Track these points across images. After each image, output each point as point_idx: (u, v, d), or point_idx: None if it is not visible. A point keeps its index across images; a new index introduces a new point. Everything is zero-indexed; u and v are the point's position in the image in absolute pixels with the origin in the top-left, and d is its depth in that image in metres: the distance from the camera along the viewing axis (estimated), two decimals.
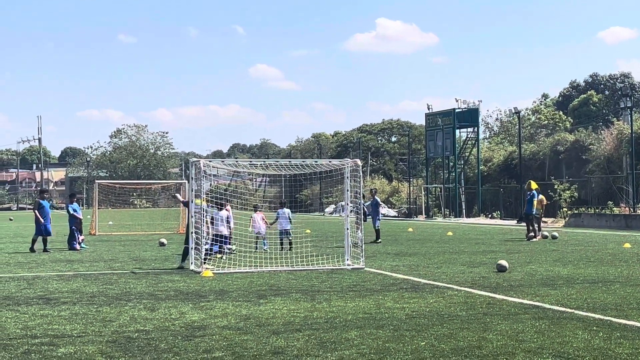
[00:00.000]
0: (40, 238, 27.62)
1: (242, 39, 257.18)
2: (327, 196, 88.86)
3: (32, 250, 27.17)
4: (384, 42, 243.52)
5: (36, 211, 27.74)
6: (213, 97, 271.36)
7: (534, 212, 32.52)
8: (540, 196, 33.95)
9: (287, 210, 27.42)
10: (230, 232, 25.37)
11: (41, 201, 28.30)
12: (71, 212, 29.34)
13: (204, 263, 19.94)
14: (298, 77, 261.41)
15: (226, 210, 24.82)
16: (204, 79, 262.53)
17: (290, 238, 26.76)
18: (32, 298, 15.00)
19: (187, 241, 21.28)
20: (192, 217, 20.53)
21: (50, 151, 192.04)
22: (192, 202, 20.63)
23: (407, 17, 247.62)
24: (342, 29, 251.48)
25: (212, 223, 23.66)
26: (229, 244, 24.88)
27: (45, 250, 27.27)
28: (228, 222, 24.71)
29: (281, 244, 26.80)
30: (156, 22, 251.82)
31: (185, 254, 21.22)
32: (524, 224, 32.73)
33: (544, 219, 45.46)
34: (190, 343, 10.36)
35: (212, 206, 24.21)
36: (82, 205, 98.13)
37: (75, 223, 29.00)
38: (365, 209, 30.62)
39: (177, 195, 25.98)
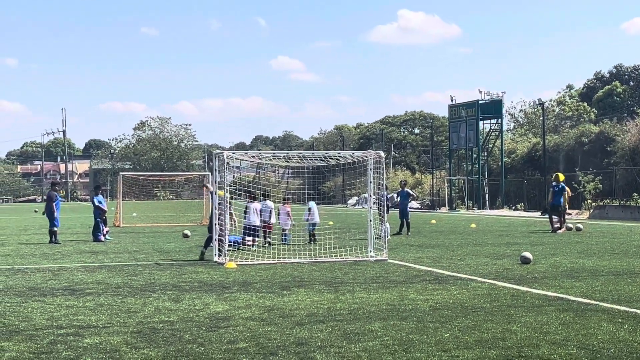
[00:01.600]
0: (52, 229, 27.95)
1: (264, 31, 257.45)
2: (350, 188, 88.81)
3: (57, 242, 27.36)
4: (406, 34, 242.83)
5: (53, 204, 27.99)
6: (235, 89, 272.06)
7: (563, 204, 32.39)
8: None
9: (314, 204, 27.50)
10: (270, 224, 25.72)
11: (55, 194, 28.61)
12: (96, 203, 29.57)
13: (227, 253, 20.02)
14: (320, 69, 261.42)
15: (256, 203, 25.10)
16: (226, 71, 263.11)
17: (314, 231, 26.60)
18: (58, 289, 15.12)
19: (210, 230, 21.41)
20: (215, 208, 20.62)
21: (75, 143, 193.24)
22: (215, 193, 20.73)
23: (429, 8, 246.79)
24: (363, 20, 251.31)
25: (245, 213, 24.21)
26: (267, 236, 25.22)
27: (53, 241, 27.43)
28: (262, 213, 25.12)
29: (310, 236, 26.43)
30: (178, 14, 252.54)
31: (207, 242, 21.36)
32: (554, 216, 32.45)
33: (568, 211, 45.18)
34: (214, 334, 10.41)
35: (247, 198, 24.72)
36: (107, 197, 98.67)
37: (99, 215, 29.21)
38: (389, 201, 30.59)
39: (208, 185, 26.01)
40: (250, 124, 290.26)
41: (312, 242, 25.06)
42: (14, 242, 28.56)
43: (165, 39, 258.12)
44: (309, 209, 26.76)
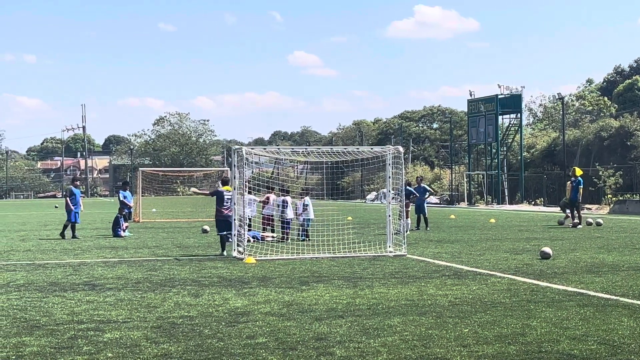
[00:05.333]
0: (69, 224, 28.19)
1: (280, 26, 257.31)
2: (369, 183, 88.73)
3: (62, 236, 27.70)
4: (423, 28, 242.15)
5: (68, 199, 28.24)
6: (252, 84, 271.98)
7: (579, 199, 32.27)
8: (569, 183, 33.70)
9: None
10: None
11: (73, 189, 28.77)
12: (121, 198, 30.47)
13: (246, 248, 20.06)
14: (337, 64, 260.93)
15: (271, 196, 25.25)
16: (243, 66, 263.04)
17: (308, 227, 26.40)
18: (78, 284, 15.20)
19: (220, 229, 21.31)
20: (233, 204, 20.65)
21: (94, 139, 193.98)
22: (235, 189, 20.76)
23: (446, 2, 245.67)
24: (380, 16, 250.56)
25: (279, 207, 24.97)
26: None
27: (74, 236, 27.71)
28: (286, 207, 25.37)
29: (303, 231, 26.01)
30: (195, 9, 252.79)
31: (223, 242, 21.32)
32: (574, 210, 32.38)
33: (587, 206, 44.94)
34: (233, 329, 10.43)
35: (281, 194, 25.21)
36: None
37: (122, 210, 29.78)
38: (414, 192, 30.53)
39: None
40: (267, 119, 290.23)
41: (304, 239, 24.90)
42: (34, 238, 28.74)
43: (182, 34, 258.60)
44: (305, 205, 26.15)
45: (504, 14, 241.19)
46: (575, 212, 32.17)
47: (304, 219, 25.92)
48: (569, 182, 33.33)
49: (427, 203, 32.15)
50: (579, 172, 33.20)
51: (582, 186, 32.65)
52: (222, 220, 21.29)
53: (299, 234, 25.88)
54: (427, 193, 32.56)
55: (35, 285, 15.07)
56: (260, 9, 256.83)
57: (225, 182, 22.17)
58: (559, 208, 35.58)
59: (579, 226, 31.30)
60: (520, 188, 65.61)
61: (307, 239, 24.98)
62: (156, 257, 20.83)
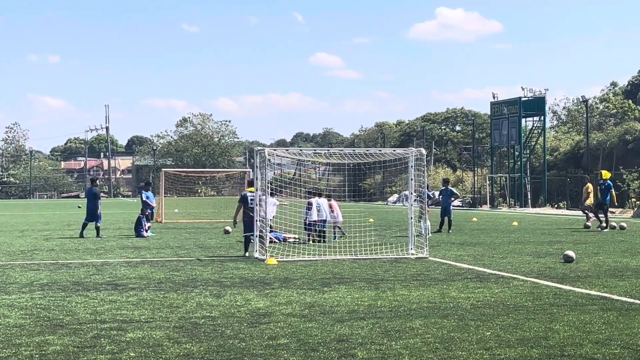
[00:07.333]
0: (89, 224, 28.61)
1: (302, 27, 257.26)
2: (391, 185, 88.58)
3: (99, 235, 27.91)
4: (446, 30, 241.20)
5: (99, 201, 28.53)
6: (274, 85, 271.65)
7: (607, 202, 32.08)
8: (588, 184, 33.46)
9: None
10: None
11: (98, 190, 29.22)
12: (144, 198, 30.75)
13: (268, 249, 20.09)
14: (359, 65, 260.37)
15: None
16: (265, 67, 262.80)
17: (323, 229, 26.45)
18: (101, 284, 15.29)
19: (245, 230, 21.37)
20: (256, 205, 20.68)
21: (118, 140, 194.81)
22: (257, 190, 20.81)
23: (468, 5, 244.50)
24: (402, 18, 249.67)
25: (308, 209, 24.98)
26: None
27: (82, 235, 28.22)
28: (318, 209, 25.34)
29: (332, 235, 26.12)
30: (218, 11, 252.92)
31: (246, 243, 21.37)
32: (600, 214, 32.18)
33: (611, 209, 44.61)
34: (255, 330, 10.46)
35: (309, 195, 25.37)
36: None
37: (144, 210, 30.01)
38: (433, 196, 30.41)
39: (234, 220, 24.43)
40: (290, 120, 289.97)
41: (319, 241, 24.93)
42: (58, 237, 28.93)
43: (205, 35, 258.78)
44: (316, 207, 25.90)
45: (527, 15, 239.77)
46: (601, 215, 31.94)
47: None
48: (597, 186, 33.07)
49: (452, 205, 32.08)
50: (605, 175, 33.02)
51: (612, 189, 32.45)
52: (247, 222, 21.37)
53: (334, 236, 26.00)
54: (453, 196, 32.49)
55: (59, 285, 15.18)
56: (283, 10, 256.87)
57: (250, 184, 22.32)
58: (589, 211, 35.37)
59: (605, 230, 31.08)
60: (543, 191, 65.27)
61: (322, 240, 24.99)
62: (178, 257, 20.91)
